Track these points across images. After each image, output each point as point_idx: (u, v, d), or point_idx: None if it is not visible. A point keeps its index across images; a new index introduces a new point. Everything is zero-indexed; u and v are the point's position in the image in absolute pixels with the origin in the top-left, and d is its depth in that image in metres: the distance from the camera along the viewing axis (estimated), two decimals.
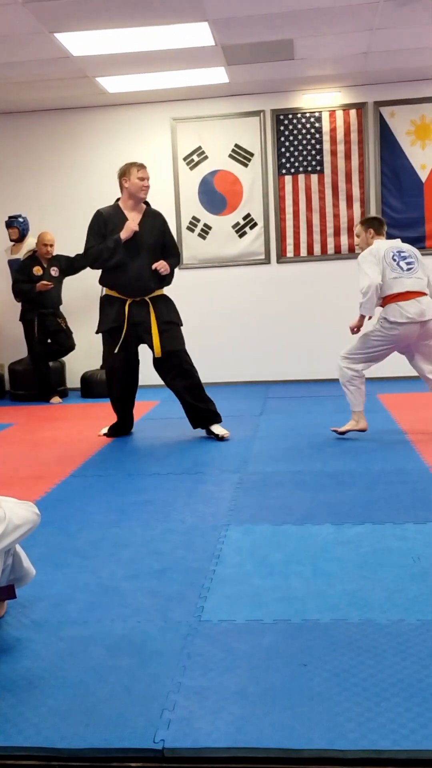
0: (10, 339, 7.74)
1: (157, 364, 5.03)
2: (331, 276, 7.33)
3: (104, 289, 5.20)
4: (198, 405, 5.02)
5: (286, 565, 2.80)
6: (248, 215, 7.47)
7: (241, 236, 7.47)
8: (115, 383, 5.20)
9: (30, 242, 7.36)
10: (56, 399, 7.13)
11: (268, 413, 5.97)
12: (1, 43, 5.61)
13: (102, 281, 5.12)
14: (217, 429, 5.03)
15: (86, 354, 7.47)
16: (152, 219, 5.08)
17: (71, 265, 7.21)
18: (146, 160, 7.49)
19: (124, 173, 5.01)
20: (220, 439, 4.98)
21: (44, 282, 6.98)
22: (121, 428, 5.31)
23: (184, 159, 7.51)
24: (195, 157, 7.50)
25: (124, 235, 4.90)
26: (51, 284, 7.03)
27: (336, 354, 4.89)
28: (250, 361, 7.62)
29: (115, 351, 5.03)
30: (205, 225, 7.53)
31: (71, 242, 7.26)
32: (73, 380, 7.68)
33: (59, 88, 6.85)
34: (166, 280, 5.05)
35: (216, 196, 7.49)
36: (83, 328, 7.42)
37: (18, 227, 7.34)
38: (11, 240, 7.42)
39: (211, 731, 1.77)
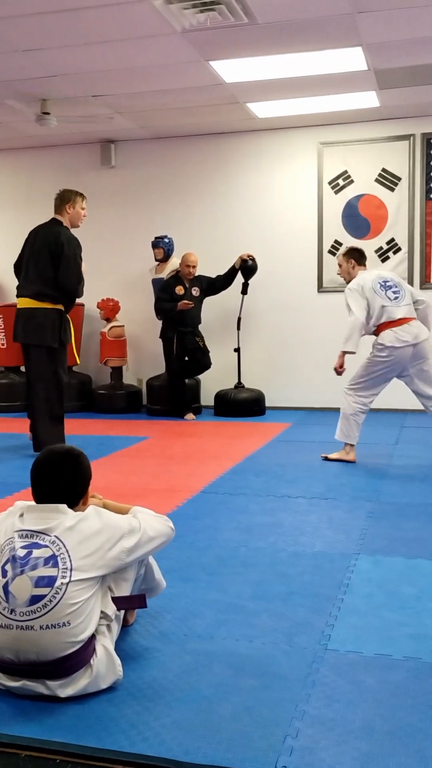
0: (149, 355, 7.98)
1: None
2: None
3: None
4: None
5: (418, 601, 2.70)
6: (392, 240, 7.34)
7: (383, 261, 7.33)
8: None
9: (174, 262, 7.57)
10: (190, 416, 7.26)
11: (404, 443, 5.81)
12: (159, 72, 5.84)
13: None
14: None
15: (221, 373, 7.56)
16: None
17: (212, 286, 7.36)
18: (291, 183, 7.64)
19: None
20: None
21: (185, 301, 7.14)
22: None
23: (329, 183, 7.49)
24: (340, 181, 7.47)
25: None
26: (192, 303, 7.19)
27: None
28: (388, 387, 7.43)
29: None
30: None
31: (213, 263, 7.40)
32: (207, 398, 7.80)
33: (210, 113, 7.04)
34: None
35: (360, 220, 7.42)
36: (219, 348, 7.53)
37: (164, 247, 7.56)
38: (156, 260, 7.66)
39: (334, 764, 1.73)
